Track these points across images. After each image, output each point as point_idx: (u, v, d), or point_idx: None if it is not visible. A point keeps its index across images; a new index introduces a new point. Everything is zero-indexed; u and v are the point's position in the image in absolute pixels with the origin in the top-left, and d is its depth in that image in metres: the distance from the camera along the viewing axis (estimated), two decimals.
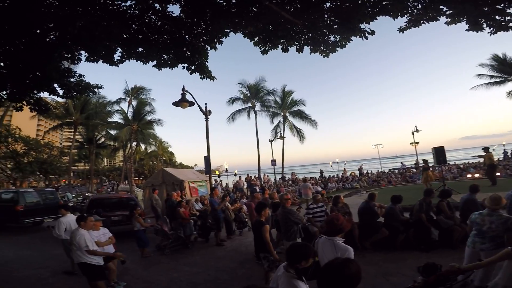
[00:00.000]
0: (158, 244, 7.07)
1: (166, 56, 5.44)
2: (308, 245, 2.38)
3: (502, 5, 4.23)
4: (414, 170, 21.03)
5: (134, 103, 30.66)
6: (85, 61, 5.33)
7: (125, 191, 20.17)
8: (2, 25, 4.27)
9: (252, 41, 5.31)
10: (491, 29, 4.53)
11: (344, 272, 1.60)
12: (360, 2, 4.46)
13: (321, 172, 25.49)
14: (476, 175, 16.87)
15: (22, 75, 5.43)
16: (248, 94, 27.35)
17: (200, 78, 5.73)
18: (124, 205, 9.40)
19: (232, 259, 6.23)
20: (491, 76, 25.12)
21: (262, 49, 5.40)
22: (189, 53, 5.37)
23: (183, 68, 5.58)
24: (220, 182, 18.06)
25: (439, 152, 11.24)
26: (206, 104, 9.54)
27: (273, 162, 23.41)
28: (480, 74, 25.31)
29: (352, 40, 5.17)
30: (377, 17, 4.63)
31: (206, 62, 5.59)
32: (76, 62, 5.60)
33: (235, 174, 22.26)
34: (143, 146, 41.79)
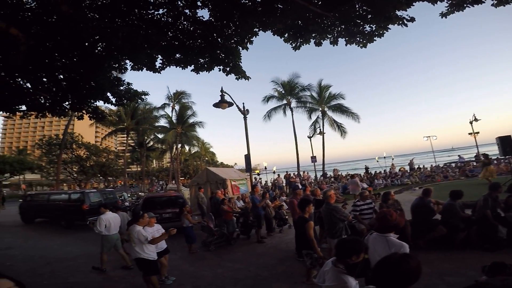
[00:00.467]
0: (204, 240, 7.38)
1: (202, 60, 5.70)
2: (360, 240, 2.28)
3: None
4: (475, 164, 18.67)
5: (177, 107, 32.60)
6: (130, 70, 5.83)
7: (173, 190, 21.54)
8: (59, 41, 4.86)
9: (282, 38, 5.26)
10: None
11: (403, 268, 1.52)
12: None
13: (367, 168, 24.10)
14: None
15: (79, 86, 6.13)
16: (283, 91, 27.05)
17: (236, 78, 5.90)
18: (173, 203, 9.97)
19: (272, 256, 6.24)
20: None
21: (294, 44, 5.34)
22: (223, 55, 5.55)
23: (219, 70, 5.78)
24: (260, 180, 18.20)
25: (505, 142, 9.83)
26: (243, 103, 9.73)
27: (313, 158, 22.82)
28: None
29: (390, 29, 4.87)
30: (414, 4, 4.34)
31: (239, 63, 5.72)
32: (123, 71, 6.16)
33: (274, 172, 22.17)
34: (187, 148, 44.23)
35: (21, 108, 6.69)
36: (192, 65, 5.70)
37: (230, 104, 8.71)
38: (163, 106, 32.94)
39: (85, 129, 37.64)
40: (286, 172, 20.56)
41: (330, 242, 4.77)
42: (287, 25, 4.90)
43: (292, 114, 26.76)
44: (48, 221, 12.69)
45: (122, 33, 4.48)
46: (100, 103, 7.25)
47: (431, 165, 22.02)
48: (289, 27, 5.02)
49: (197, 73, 5.87)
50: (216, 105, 8.58)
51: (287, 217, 8.83)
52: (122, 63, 5.96)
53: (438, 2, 4.36)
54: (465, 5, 4.37)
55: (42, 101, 6.60)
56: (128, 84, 6.92)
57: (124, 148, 38.00)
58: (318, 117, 27.37)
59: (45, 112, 6.86)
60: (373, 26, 4.89)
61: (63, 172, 35.24)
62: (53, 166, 35.01)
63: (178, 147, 34.96)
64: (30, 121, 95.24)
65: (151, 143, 38.80)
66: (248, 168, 9.33)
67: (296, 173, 22.98)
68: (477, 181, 12.66)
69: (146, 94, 7.52)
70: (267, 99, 27.36)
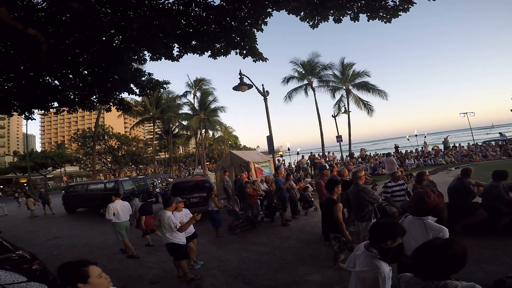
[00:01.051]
0: (230, 224, 7.55)
1: (218, 45, 5.63)
2: (397, 223, 2.14)
3: None
4: None
5: (198, 94, 33.13)
6: (150, 61, 5.93)
7: (199, 175, 22.25)
8: (77, 37, 4.98)
9: (298, 17, 5.00)
10: None
11: (447, 254, 1.43)
12: None
13: (396, 147, 23.00)
14: None
15: (103, 80, 6.33)
16: (303, 72, 26.18)
17: (253, 61, 5.82)
18: (200, 187, 10.28)
19: (297, 239, 6.21)
20: None
21: (311, 23, 5.08)
22: (238, 38, 5.44)
23: (236, 54, 5.72)
24: (283, 162, 18.11)
25: None
26: (263, 85, 9.52)
27: (339, 138, 22.15)
28: None
29: (415, 3, 4.48)
30: None
31: (255, 45, 5.61)
32: (142, 62, 6.25)
33: (298, 153, 21.90)
34: (210, 133, 45.11)
35: (54, 105, 7.09)
36: (209, 51, 5.68)
37: (249, 87, 8.56)
38: (185, 94, 33.70)
39: (114, 120, 39.84)
40: (311, 153, 20.25)
41: (358, 225, 4.60)
42: (302, 2, 4.61)
43: (315, 94, 25.99)
44: (88, 211, 13.60)
45: (136, 25, 4.48)
46: (125, 95, 7.54)
47: (468, 143, 20.37)
48: (304, 5, 4.73)
49: (214, 58, 5.85)
50: (236, 88, 8.47)
51: (312, 199, 8.72)
52: (141, 55, 6.06)
53: None
54: None
55: (72, 97, 6.95)
56: (149, 74, 7.04)
57: (152, 136, 39.65)
58: (342, 95, 26.37)
59: (76, 107, 7.24)
60: (397, 0, 4.52)
61: (98, 162, 37.86)
62: (89, 157, 37.67)
63: (202, 132, 35.79)
64: (64, 117, 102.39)
65: (177, 130, 40.04)
66: (271, 149, 9.24)
67: (321, 154, 22.59)
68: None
69: (167, 83, 7.62)
70: (287, 80, 26.71)
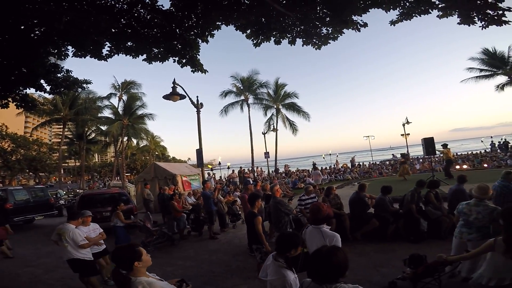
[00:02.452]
0: (143, 240, 7.02)
1: (156, 50, 5.38)
2: (297, 234, 2.43)
3: None
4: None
5: (125, 97, 30.23)
6: (72, 56, 5.23)
7: (117, 187, 20.00)
8: None
9: (245, 34, 5.25)
10: (483, 23, 4.48)
11: (332, 261, 1.61)
12: None
13: (314, 164, 25.72)
14: (465, 166, 17.32)
15: (7, 72, 5.30)
16: (241, 87, 27.26)
17: (192, 71, 5.70)
18: (115, 200, 9.30)
19: (225, 252, 6.28)
20: (481, 70, 25.56)
21: (255, 41, 5.35)
22: (180, 46, 5.31)
23: (174, 62, 5.54)
24: (213, 176, 18.06)
25: (428, 143, 11.47)
26: (197, 97, 9.52)
27: (266, 154, 23.53)
28: (471, 68, 25.76)
29: (344, 33, 5.13)
30: (370, 10, 4.62)
31: (197, 55, 5.54)
32: (63, 57, 5.48)
33: (228, 167, 22.22)
34: (134, 141, 41.39)
35: None
36: (145, 55, 5.36)
37: (182, 97, 8.43)
38: (108, 96, 30.24)
39: (11, 118, 32.36)
40: (240, 167, 20.78)
41: (277, 235, 5.01)
42: (251, 21, 4.88)
43: (249, 110, 27.18)
44: None
45: (67, 18, 3.99)
46: (32, 91, 6.36)
47: (369, 162, 24.58)
48: (252, 24, 5.00)
49: (149, 63, 5.54)
50: (166, 97, 8.21)
51: (240, 212, 8.95)
52: (63, 49, 5.30)
53: (391, 10, 4.66)
54: (413, 14, 4.71)
55: None
56: (68, 71, 6.19)
57: (60, 140, 33.73)
58: (272, 114, 28.26)
59: None
60: (330, 29, 5.09)
61: None
62: None
63: (124, 140, 32.48)
64: None
65: (93, 135, 35.26)
66: (200, 162, 9.18)
67: (250, 168, 23.40)
68: (395, 178, 14.44)
69: (88, 82, 6.82)
70: (225, 94, 27.28)
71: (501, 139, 23.19)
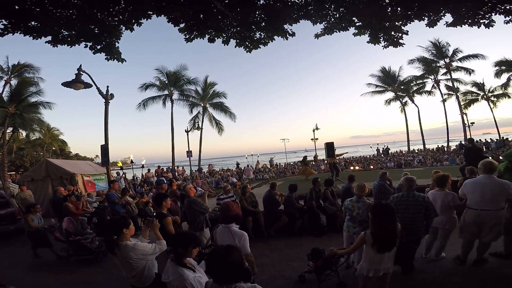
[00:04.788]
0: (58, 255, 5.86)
1: (67, 32, 4.55)
2: (191, 234, 2.41)
3: (401, 22, 4.97)
4: (313, 163, 24.23)
5: (14, 82, 24.25)
6: None
7: None
8: None
9: (177, 27, 4.95)
10: (385, 43, 5.27)
11: (228, 259, 1.65)
12: (289, 4, 4.68)
13: (237, 164, 26.40)
14: (357, 167, 20.78)
15: None
16: (166, 82, 25.63)
17: (106, 59, 5.07)
18: None
19: None
20: (376, 86, 31.40)
21: (188, 36, 5.10)
22: (97, 31, 4.65)
23: (85, 47, 4.78)
24: (124, 175, 16.25)
25: (329, 147, 13.33)
26: (108, 87, 8.44)
27: (189, 153, 22.76)
28: (369, 83, 31.35)
29: (274, 39, 5.30)
30: (300, 21, 4.92)
31: (116, 43, 4.95)
32: None
33: (143, 166, 20.40)
34: (24, 133, 33.71)
35: None
36: (50, 36, 4.45)
37: (87, 85, 7.31)
38: None
39: None
40: (158, 166, 19.46)
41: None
42: (186, 14, 4.56)
43: (172, 106, 25.77)
44: None
45: None
46: None
47: (285, 163, 26.79)
48: (188, 17, 4.71)
49: (54, 46, 4.64)
50: (67, 84, 6.96)
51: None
52: None
53: (318, 24, 5.03)
54: (335, 30, 5.17)
55: None
56: None
57: None
58: (199, 112, 27.58)
59: None
60: (263, 34, 5.21)
61: None
62: None
63: (7, 131, 26.03)
64: None
65: None
66: (105, 161, 8.11)
67: (170, 167, 22.15)
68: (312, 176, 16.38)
69: None
70: (146, 86, 25.13)
71: (384, 146, 28.87)
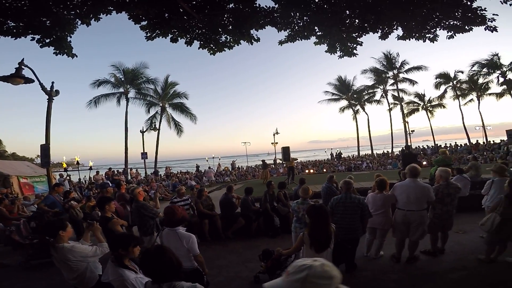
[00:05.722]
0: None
1: (13, 24, 4.21)
2: (129, 234, 2.46)
3: (356, 34, 5.30)
4: (273, 166, 24.92)
5: None
6: None
7: None
8: None
9: (139, 25, 4.78)
10: (341, 53, 5.59)
11: (163, 258, 1.71)
12: (257, 9, 4.81)
13: (197, 167, 25.87)
14: (312, 170, 21.94)
15: None
16: (123, 79, 24.12)
17: (54, 53, 4.76)
18: None
19: None
20: (332, 94, 33.51)
21: (149, 35, 4.97)
22: (49, 23, 4.36)
23: (32, 39, 4.45)
24: (68, 177, 14.82)
25: (285, 151, 13.95)
26: (53, 82, 7.77)
27: (144, 155, 21.75)
28: (326, 91, 33.36)
29: (240, 44, 5.37)
30: (266, 27, 5.06)
31: (68, 37, 4.68)
32: None
33: (90, 168, 18.85)
34: None
35: None
36: None
37: (28, 81, 6.63)
38: None
39: None
40: (109, 168, 18.20)
41: (145, 240, 4.73)
42: (149, 12, 4.42)
43: (127, 105, 24.36)
44: None
45: None
46: None
47: (247, 166, 27.06)
48: (152, 15, 4.56)
49: None
50: (4, 78, 6.26)
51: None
52: None
53: (282, 31, 5.22)
54: (297, 38, 5.37)
55: None
56: None
57: None
58: (157, 112, 26.44)
59: None
60: (229, 37, 5.24)
61: None
62: None
63: None
64: None
65: None
66: (45, 161, 7.38)
67: (122, 170, 20.86)
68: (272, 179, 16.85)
69: None
70: (99, 83, 23.38)
71: (337, 150, 30.91)
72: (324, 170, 22.29)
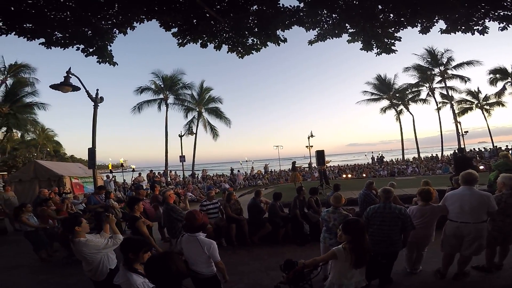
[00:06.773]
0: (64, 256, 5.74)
1: (60, 35, 4.60)
2: (142, 240, 2.44)
3: (393, 28, 4.93)
4: (307, 169, 24.25)
5: (10, 82, 24.22)
6: None
7: None
8: None
9: (170, 32, 4.97)
10: (378, 50, 5.23)
11: (169, 264, 1.70)
12: (281, 9, 4.70)
13: (232, 170, 26.32)
14: (350, 175, 20.82)
15: None
16: (162, 85, 25.75)
17: (97, 62, 5.09)
18: None
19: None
20: (372, 93, 31.60)
21: (180, 41, 5.12)
22: (90, 33, 4.70)
23: (77, 50, 4.83)
24: (114, 178, 16.12)
25: (319, 155, 13.33)
26: (97, 90, 8.50)
27: (182, 158, 22.72)
28: (365, 91, 31.58)
29: (267, 45, 5.30)
30: (292, 27, 4.92)
31: (109, 46, 4.99)
32: None
33: (133, 170, 20.25)
34: (18, 134, 33.49)
35: None
36: (44, 38, 4.52)
37: (75, 88, 7.35)
38: None
39: None
40: (151, 170, 19.37)
41: (173, 242, 4.83)
42: (177, 19, 4.60)
43: (167, 111, 25.86)
44: None
45: None
46: None
47: (279, 169, 26.78)
48: (180, 22, 4.75)
49: (47, 48, 4.69)
50: (54, 86, 7.00)
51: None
52: None
53: (311, 30, 5.03)
54: (328, 36, 5.15)
55: None
56: None
57: None
58: (194, 117, 27.65)
59: None
60: (255, 40, 5.21)
61: None
62: None
63: (1, 131, 25.93)
64: None
65: None
66: (91, 163, 8.11)
67: (162, 172, 22.06)
68: (304, 184, 16.31)
69: None
70: (141, 90, 25.24)
71: (379, 154, 28.99)
72: (364, 175, 21.01)
